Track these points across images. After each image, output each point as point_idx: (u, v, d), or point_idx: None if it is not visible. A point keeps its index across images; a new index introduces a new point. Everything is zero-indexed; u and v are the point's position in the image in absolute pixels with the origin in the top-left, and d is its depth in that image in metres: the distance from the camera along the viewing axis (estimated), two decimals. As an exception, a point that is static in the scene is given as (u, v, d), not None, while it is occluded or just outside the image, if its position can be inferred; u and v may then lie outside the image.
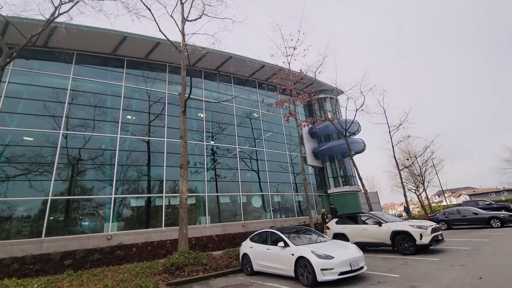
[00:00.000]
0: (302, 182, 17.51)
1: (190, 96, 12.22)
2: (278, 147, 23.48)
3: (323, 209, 16.19)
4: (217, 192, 18.24)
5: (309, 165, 25.85)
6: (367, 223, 10.63)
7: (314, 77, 19.19)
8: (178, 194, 11.25)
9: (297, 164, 23.72)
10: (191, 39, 13.39)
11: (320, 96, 26.69)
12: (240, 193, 19.05)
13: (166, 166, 16.31)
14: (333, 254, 6.45)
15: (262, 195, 20.64)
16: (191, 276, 8.51)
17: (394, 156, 26.45)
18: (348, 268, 6.32)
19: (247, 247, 9.00)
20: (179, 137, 12.18)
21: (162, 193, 15.79)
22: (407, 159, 34.04)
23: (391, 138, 25.71)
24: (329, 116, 24.33)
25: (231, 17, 12.65)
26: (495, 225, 14.94)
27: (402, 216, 26.38)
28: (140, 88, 17.50)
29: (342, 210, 22.01)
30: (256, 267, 8.36)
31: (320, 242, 7.68)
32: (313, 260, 6.37)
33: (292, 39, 16.29)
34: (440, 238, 9.27)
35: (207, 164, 18.33)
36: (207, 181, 17.84)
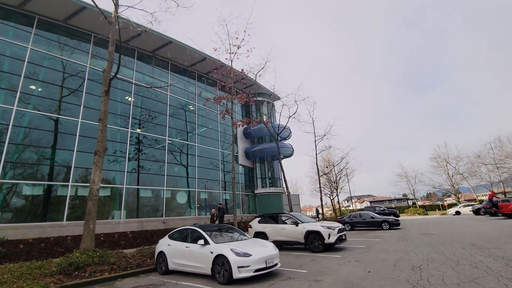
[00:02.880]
0: (231, 181, 17.58)
1: (117, 76, 10.86)
2: (211, 143, 23.09)
3: (213, 209, 16.27)
4: (138, 185, 16.72)
5: (240, 164, 26.27)
6: (286, 223, 11.31)
7: (254, 79, 19.59)
8: (89, 184, 9.80)
9: (228, 162, 23.80)
10: (126, 12, 11.99)
11: (258, 98, 27.44)
12: (165, 188, 17.93)
13: (77, 151, 14.07)
14: (251, 252, 6.60)
15: (189, 191, 19.92)
16: (94, 277, 7.51)
17: (316, 163, 29.17)
18: (264, 265, 6.55)
19: (164, 244, 8.52)
20: (97, 119, 10.65)
21: (69, 181, 13.57)
22: (327, 167, 38.10)
23: (315, 146, 28.22)
24: (264, 119, 25.24)
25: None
26: (385, 227, 17.93)
27: (318, 217, 29.32)
28: (53, 56, 14.68)
29: (266, 210, 23.07)
30: (171, 266, 7.97)
31: (241, 240, 7.80)
32: (231, 257, 6.40)
33: (237, 38, 16.24)
34: (343, 238, 10.55)
35: (129, 154, 16.62)
36: (127, 172, 16.17)
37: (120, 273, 7.93)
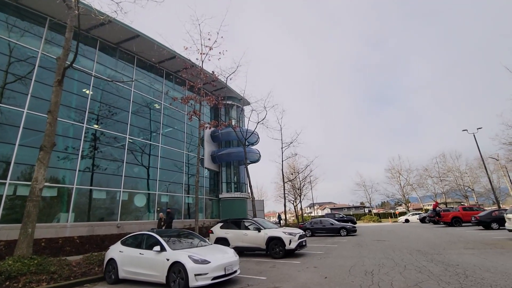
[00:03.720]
0: (195, 184, 17.06)
1: (74, 65, 9.97)
2: (176, 144, 22.25)
3: (161, 213, 14.97)
4: (91, 186, 15.38)
5: (206, 167, 25.69)
6: (249, 229, 11.21)
7: (225, 82, 19.41)
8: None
9: (193, 165, 23.12)
10: (88, -2, 11.10)
11: (227, 102, 27.26)
12: (121, 189, 16.73)
13: (19, 145, 12.51)
14: (210, 259, 6.39)
15: (148, 193, 18.86)
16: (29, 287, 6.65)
17: (282, 170, 29.67)
18: (222, 273, 6.38)
19: (116, 251, 7.90)
20: (46, 111, 9.62)
21: (6, 179, 11.96)
22: (292, 174, 38.96)
23: (282, 153, 28.77)
24: (233, 123, 25.12)
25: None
26: (343, 233, 18.72)
27: (280, 223, 29.65)
28: (-2, 37, 13.04)
29: (230, 215, 22.76)
30: (122, 274, 7.38)
31: (201, 246, 7.54)
32: (189, 265, 6.13)
33: (209, 39, 15.95)
34: (303, 244, 10.75)
35: (83, 151, 15.26)
36: (79, 170, 14.79)
37: (61, 283, 7.13)
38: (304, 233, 11.38)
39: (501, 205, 27.66)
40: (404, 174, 51.31)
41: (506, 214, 12.59)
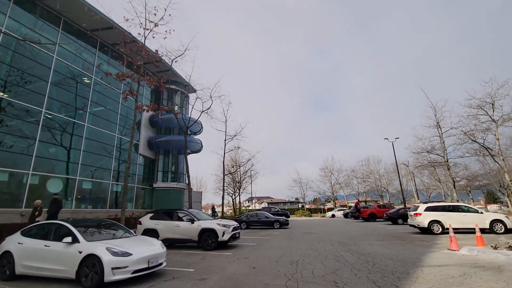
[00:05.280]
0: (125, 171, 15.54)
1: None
2: (107, 126, 19.89)
3: (38, 200, 11.41)
4: (-12, 165, 12.61)
5: (140, 154, 23.78)
6: (182, 220, 10.75)
7: (170, 64, 18.11)
8: None
9: (126, 150, 21.10)
10: None
11: (171, 86, 25.62)
12: (30, 171, 14.12)
13: None
14: (132, 251, 5.89)
15: (67, 178, 16.43)
16: None
17: (224, 162, 29.47)
18: (145, 266, 5.94)
19: (13, 243, 6.72)
20: None
21: None
22: (233, 167, 39.11)
23: (225, 145, 28.52)
24: (175, 109, 23.73)
25: None
26: (276, 226, 19.63)
27: (214, 215, 29.45)
28: None
29: (165, 206, 21.56)
30: (20, 270, 6.31)
31: (124, 238, 6.92)
32: (105, 258, 5.51)
33: (155, 14, 14.62)
34: (237, 236, 10.83)
35: (-21, 122, 12.38)
36: (-30, 145, 11.95)
37: None
38: (238, 225, 11.44)
39: (406, 204, 32.87)
40: (335, 173, 56.69)
41: (410, 211, 14.95)
